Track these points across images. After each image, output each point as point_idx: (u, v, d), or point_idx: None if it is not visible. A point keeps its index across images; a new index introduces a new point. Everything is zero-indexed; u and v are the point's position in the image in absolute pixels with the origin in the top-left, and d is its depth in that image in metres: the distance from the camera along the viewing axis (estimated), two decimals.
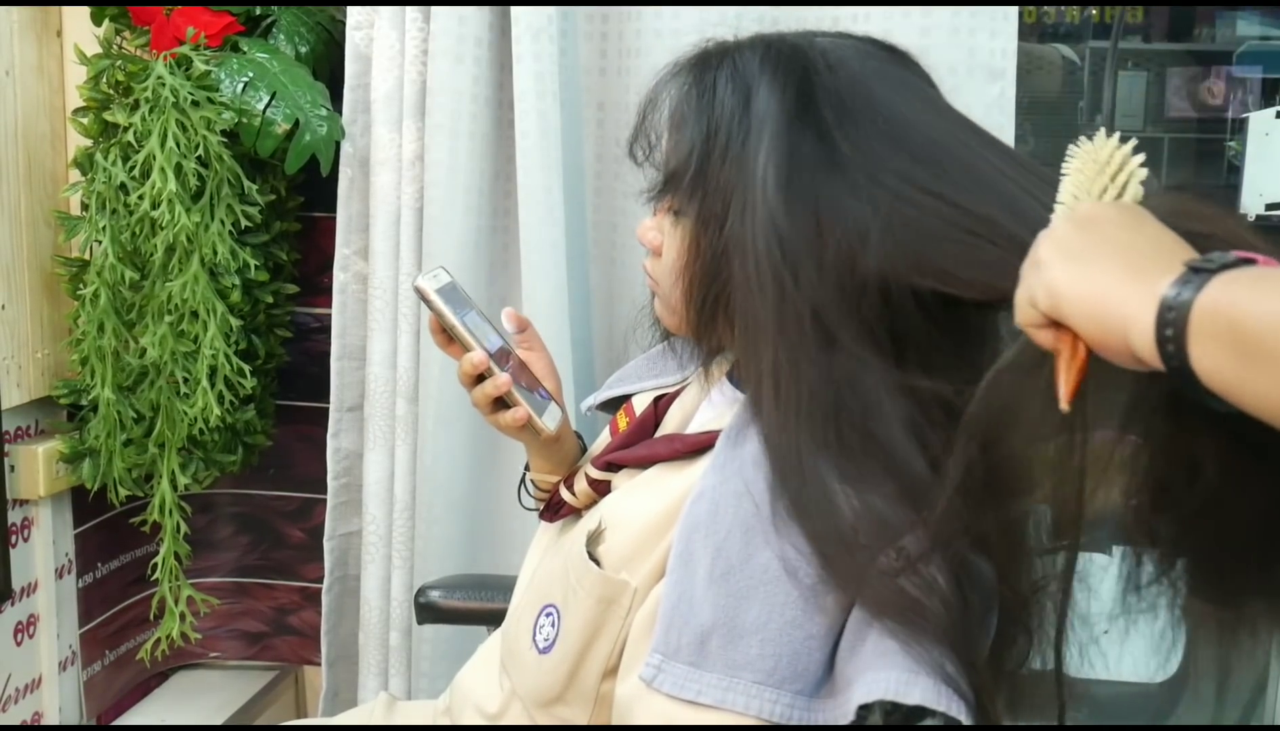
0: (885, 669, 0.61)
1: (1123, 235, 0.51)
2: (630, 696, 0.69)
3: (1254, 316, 0.43)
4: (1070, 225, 0.53)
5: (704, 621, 0.65)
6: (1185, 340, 0.45)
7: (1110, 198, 0.56)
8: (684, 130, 0.72)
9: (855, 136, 0.68)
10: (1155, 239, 0.51)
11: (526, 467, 0.96)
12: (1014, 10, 1.19)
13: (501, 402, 0.86)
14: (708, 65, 0.72)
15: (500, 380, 0.84)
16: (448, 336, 0.85)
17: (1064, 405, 0.52)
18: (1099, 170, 0.56)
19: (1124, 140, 0.58)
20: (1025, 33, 1.21)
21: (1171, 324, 0.45)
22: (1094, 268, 0.50)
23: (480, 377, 0.85)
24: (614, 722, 0.72)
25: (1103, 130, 0.59)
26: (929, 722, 0.62)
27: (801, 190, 0.67)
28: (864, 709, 0.62)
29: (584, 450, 0.96)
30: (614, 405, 0.92)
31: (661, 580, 0.70)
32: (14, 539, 1.26)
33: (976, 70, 1.19)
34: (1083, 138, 0.60)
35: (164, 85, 1.20)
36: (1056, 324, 0.52)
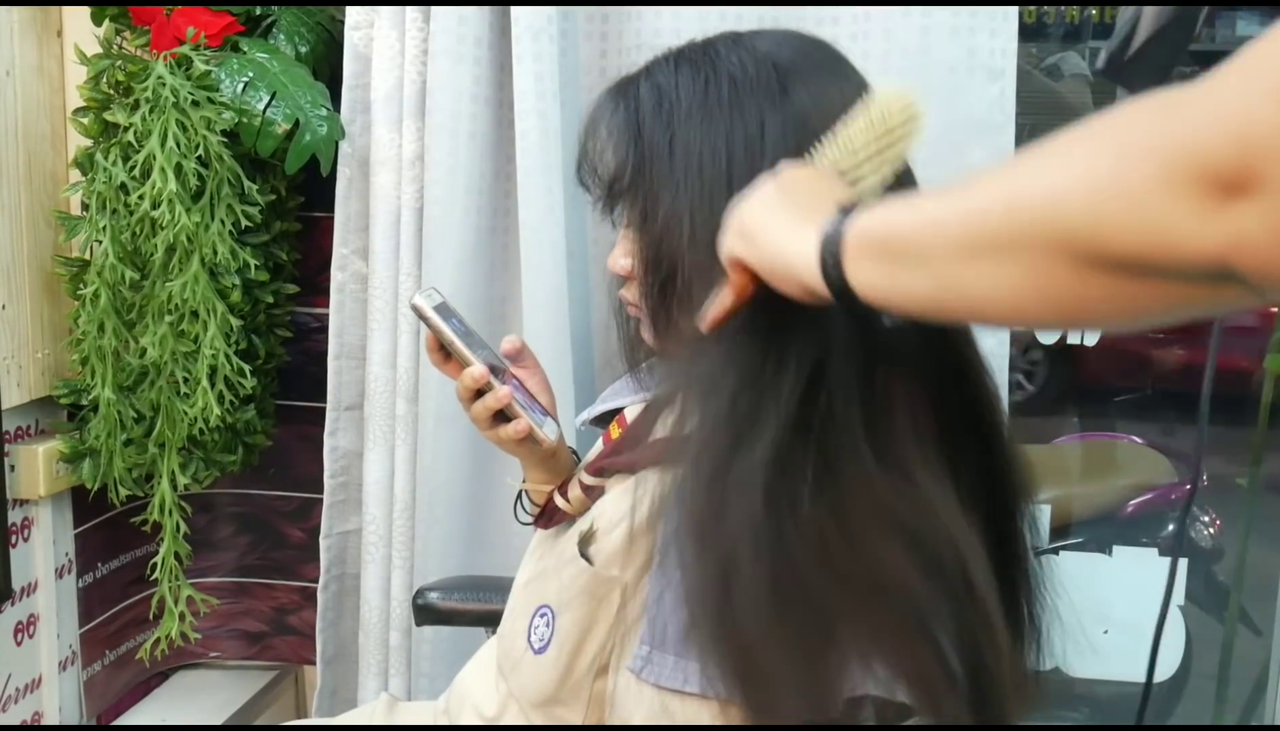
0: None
1: (801, 191, 0.60)
2: (621, 689, 0.70)
3: (890, 225, 0.52)
4: (770, 187, 0.62)
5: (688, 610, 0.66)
6: (842, 263, 0.53)
7: (871, 156, 0.63)
8: (617, 141, 0.76)
9: (764, 118, 0.71)
10: (824, 192, 0.59)
11: (523, 481, 0.97)
12: (1014, 10, 1.19)
13: (501, 416, 0.87)
14: (630, 82, 0.77)
15: (501, 393, 0.85)
16: (445, 354, 0.86)
17: (705, 328, 0.63)
18: (879, 133, 0.62)
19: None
20: (1025, 33, 1.21)
21: (830, 253, 0.54)
22: (774, 221, 0.59)
23: (479, 393, 0.86)
24: (606, 715, 0.73)
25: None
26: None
27: (719, 171, 0.71)
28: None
29: (578, 462, 0.97)
30: (606, 420, 0.93)
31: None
32: (14, 539, 1.27)
33: (977, 70, 1.18)
34: (882, 88, 0.64)
35: (164, 85, 1.20)
36: (743, 268, 0.61)
